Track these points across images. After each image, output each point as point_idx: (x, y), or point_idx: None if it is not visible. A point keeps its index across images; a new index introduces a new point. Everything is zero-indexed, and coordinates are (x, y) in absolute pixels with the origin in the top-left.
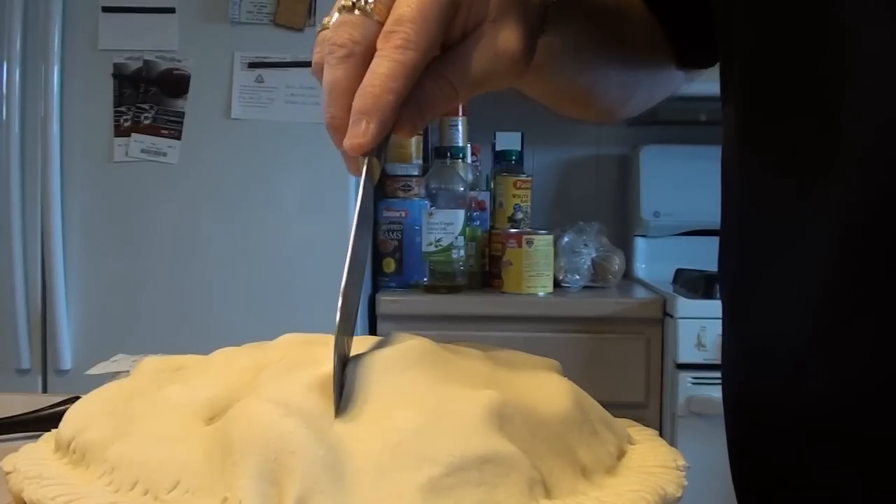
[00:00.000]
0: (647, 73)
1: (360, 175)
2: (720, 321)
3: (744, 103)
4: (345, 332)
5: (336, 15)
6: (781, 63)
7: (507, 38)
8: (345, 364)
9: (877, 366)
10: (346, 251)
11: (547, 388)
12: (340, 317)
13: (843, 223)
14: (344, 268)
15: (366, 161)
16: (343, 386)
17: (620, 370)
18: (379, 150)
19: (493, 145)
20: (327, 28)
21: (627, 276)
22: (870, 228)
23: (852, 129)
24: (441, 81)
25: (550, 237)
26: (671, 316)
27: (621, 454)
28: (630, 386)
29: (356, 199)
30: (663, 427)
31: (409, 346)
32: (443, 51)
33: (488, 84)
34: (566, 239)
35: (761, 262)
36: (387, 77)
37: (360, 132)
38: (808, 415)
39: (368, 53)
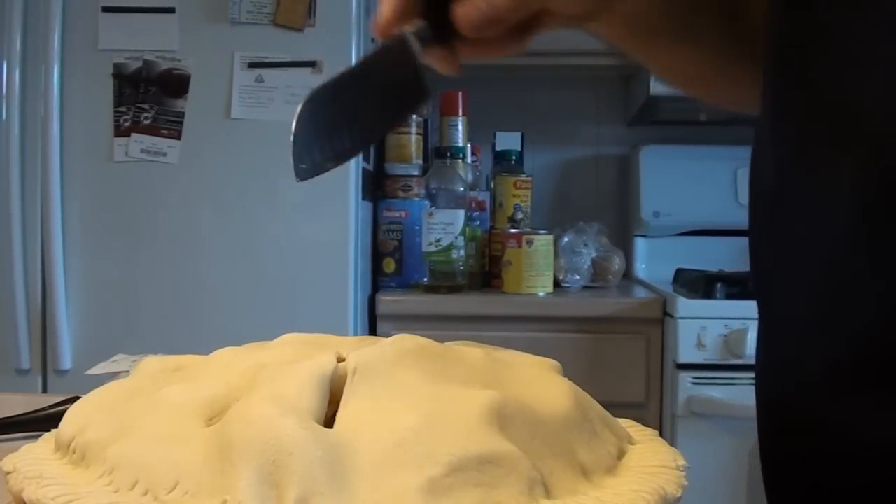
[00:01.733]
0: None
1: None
2: (720, 321)
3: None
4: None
5: None
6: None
7: None
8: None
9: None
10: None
11: (547, 389)
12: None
13: (852, 205)
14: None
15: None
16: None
17: (620, 370)
18: (421, 34)
19: (493, 145)
20: None
21: (627, 276)
22: (877, 211)
23: (865, 108)
24: None
25: (550, 237)
26: (671, 316)
27: (621, 454)
28: (630, 386)
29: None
30: (663, 427)
31: (408, 347)
32: None
33: None
34: (566, 239)
35: (784, 251)
36: None
37: (379, 11)
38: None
39: None
